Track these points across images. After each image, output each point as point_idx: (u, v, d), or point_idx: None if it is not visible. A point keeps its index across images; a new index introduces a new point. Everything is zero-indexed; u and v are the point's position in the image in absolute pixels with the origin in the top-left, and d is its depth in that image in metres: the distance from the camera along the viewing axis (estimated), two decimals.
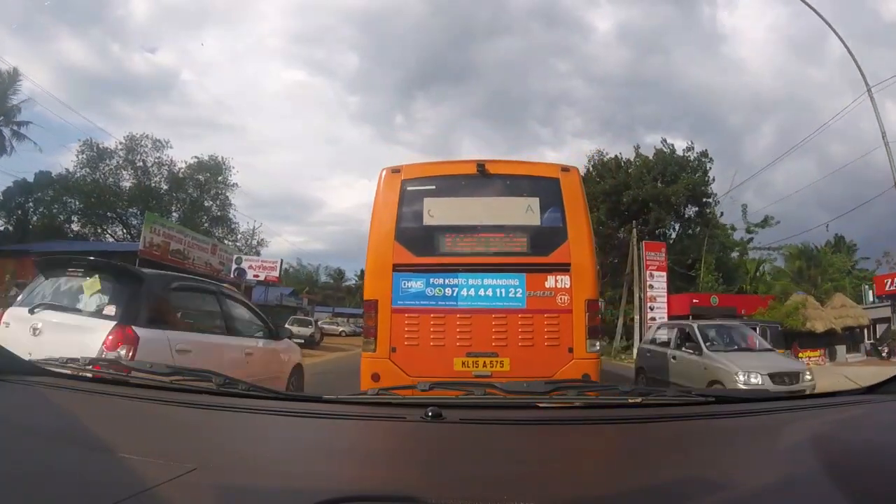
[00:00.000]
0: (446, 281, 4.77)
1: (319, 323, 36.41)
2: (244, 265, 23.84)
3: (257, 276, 23.90)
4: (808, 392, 6.37)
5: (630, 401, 1.37)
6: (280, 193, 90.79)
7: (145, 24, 61.17)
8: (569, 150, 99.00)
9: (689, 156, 28.26)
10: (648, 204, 26.90)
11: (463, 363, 4.61)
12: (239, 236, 34.94)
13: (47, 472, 0.88)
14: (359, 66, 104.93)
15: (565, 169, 5.17)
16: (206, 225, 32.74)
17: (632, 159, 29.37)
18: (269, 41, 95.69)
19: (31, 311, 3.90)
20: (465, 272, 4.78)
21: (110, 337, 3.62)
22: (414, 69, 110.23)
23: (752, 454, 1.02)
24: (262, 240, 38.54)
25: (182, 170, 32.45)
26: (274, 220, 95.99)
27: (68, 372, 1.47)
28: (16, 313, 4.05)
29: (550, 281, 4.75)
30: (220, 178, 33.34)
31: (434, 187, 5.12)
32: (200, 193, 33.44)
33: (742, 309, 20.13)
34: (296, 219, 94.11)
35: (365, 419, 1.23)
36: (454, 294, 4.75)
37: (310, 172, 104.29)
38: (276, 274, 24.46)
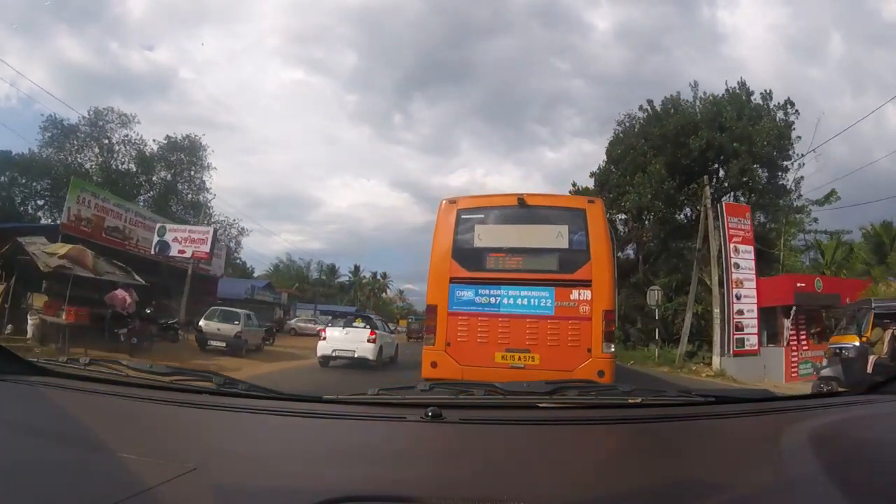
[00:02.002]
0: (491, 292, 5.94)
1: (294, 321, 30.80)
2: (169, 237, 19.08)
3: (183, 251, 19.03)
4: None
5: (630, 401, 1.37)
6: (278, 193, 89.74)
7: (144, 21, 59.86)
8: (567, 150, 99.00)
9: (766, 104, 20.67)
10: (722, 153, 19.47)
11: (502, 357, 5.72)
12: (218, 226, 31.25)
13: (47, 471, 0.88)
14: (357, 65, 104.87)
15: (591, 200, 6.53)
16: (179, 212, 29.25)
17: (691, 100, 21.73)
18: (267, 40, 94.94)
19: (343, 327, 12.02)
20: (506, 285, 5.92)
21: (370, 333, 11.68)
22: (412, 68, 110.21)
23: (753, 454, 1.02)
24: (243, 229, 34.54)
25: (152, 149, 28.76)
26: (272, 219, 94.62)
27: (68, 372, 1.47)
28: (331, 329, 12.11)
29: (574, 294, 5.77)
30: (195, 158, 29.74)
31: (483, 216, 6.36)
32: (174, 176, 29.63)
33: (847, 297, 14.32)
34: (294, 218, 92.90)
35: (365, 419, 1.23)
36: (497, 302, 5.91)
37: (308, 172, 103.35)
38: (206, 249, 19.35)
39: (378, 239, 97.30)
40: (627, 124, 23.53)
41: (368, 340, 11.42)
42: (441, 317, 5.91)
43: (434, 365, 5.79)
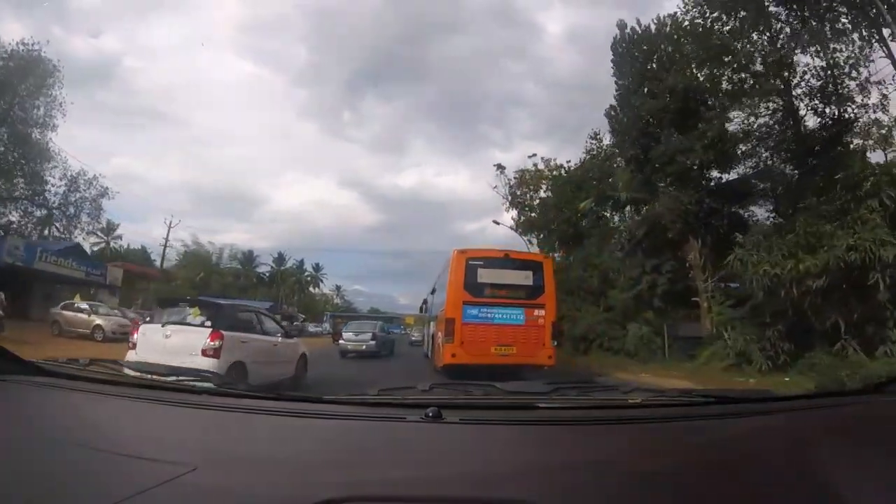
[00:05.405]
0: (489, 310, 9.55)
1: (60, 308, 16.60)
2: None
3: None
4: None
5: (630, 401, 1.37)
6: (225, 189, 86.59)
7: (90, 6, 54.53)
8: (518, 153, 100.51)
9: None
10: None
11: (495, 349, 9.31)
12: (57, 179, 22.67)
13: (47, 471, 0.88)
14: (307, 59, 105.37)
15: (546, 257, 11.61)
16: (14, 155, 21.62)
17: None
18: (218, 30, 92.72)
19: (163, 325, 6.53)
20: (497, 305, 9.59)
21: (210, 335, 6.17)
22: (364, 64, 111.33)
23: (753, 454, 1.02)
24: (107, 189, 24.31)
25: None
26: (219, 216, 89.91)
27: (68, 372, 1.47)
28: (148, 328, 6.77)
29: (535, 311, 9.67)
30: (37, 80, 21.26)
31: (482, 262, 9.94)
32: (9, 104, 21.00)
33: None
34: (241, 215, 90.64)
35: (365, 419, 1.23)
36: (491, 316, 9.54)
37: (256, 168, 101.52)
38: None
39: (327, 238, 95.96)
40: None
41: (206, 351, 6.09)
42: (457, 325, 9.39)
43: (454, 356, 9.22)
